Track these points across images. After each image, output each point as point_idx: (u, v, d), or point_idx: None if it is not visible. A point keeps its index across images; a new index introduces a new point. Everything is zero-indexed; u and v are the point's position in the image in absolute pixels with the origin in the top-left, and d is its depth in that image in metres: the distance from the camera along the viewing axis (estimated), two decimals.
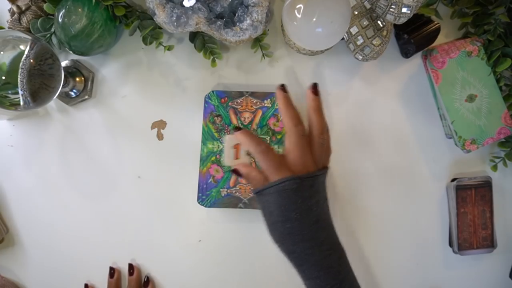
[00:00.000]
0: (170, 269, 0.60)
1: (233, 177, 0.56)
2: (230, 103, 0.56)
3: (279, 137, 0.56)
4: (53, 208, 0.61)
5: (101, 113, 0.61)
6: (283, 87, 0.46)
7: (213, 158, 0.56)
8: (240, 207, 0.55)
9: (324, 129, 0.45)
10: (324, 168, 0.44)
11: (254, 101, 0.56)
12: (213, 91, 0.57)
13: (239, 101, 0.57)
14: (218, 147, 0.56)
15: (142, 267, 0.61)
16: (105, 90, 0.60)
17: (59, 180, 0.61)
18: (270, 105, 0.56)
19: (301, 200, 0.41)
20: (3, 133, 0.61)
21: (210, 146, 0.56)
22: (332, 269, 0.42)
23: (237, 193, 0.56)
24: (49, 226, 0.61)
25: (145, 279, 0.59)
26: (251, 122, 0.56)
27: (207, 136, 0.56)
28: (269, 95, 0.56)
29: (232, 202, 0.56)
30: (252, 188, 0.45)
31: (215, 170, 0.56)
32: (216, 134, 0.56)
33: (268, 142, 0.56)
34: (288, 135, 0.44)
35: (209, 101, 0.57)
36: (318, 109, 0.46)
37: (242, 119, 0.56)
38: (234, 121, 0.56)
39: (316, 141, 0.44)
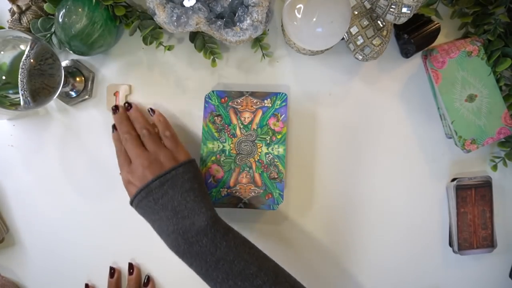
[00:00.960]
0: (170, 268, 0.60)
1: (233, 177, 0.56)
2: (230, 103, 0.56)
3: (279, 137, 0.56)
4: (53, 208, 0.61)
5: (101, 113, 0.61)
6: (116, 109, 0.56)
7: (213, 158, 0.56)
8: (240, 207, 0.55)
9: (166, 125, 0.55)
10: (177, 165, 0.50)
11: (254, 101, 0.56)
12: (213, 91, 0.56)
13: (239, 101, 0.56)
14: (219, 147, 0.56)
15: (142, 267, 0.61)
16: (105, 90, 0.60)
17: (59, 180, 0.61)
18: (270, 105, 0.56)
19: (154, 203, 0.48)
20: (3, 133, 0.61)
21: (210, 146, 0.56)
22: (204, 254, 0.46)
23: (237, 193, 0.56)
24: (49, 225, 0.61)
25: (146, 279, 0.59)
26: (251, 122, 0.56)
27: (207, 136, 0.56)
28: (269, 95, 0.56)
29: (232, 202, 0.56)
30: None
31: (215, 170, 0.56)
32: (216, 134, 0.56)
33: (268, 142, 0.56)
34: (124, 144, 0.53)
35: (209, 101, 0.57)
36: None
37: (242, 119, 0.56)
38: (234, 121, 0.56)
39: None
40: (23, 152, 0.61)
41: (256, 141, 0.56)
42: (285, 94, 0.56)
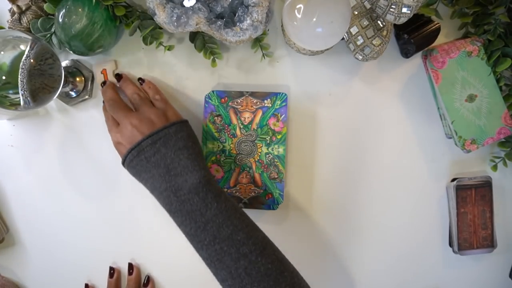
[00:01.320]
0: (170, 269, 0.60)
1: (233, 177, 0.56)
2: (230, 103, 0.56)
3: (279, 137, 0.56)
4: (53, 208, 0.61)
5: (101, 113, 0.60)
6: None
7: (213, 158, 0.56)
8: (240, 207, 0.55)
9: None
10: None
11: (254, 101, 0.56)
12: (213, 91, 0.56)
13: (239, 101, 0.56)
14: (219, 147, 0.56)
15: (142, 267, 0.61)
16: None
17: (59, 180, 0.61)
18: (270, 105, 0.56)
19: (146, 161, 0.48)
20: (3, 133, 0.61)
21: (210, 146, 0.56)
22: (194, 213, 0.45)
23: (237, 193, 0.56)
24: (49, 226, 0.61)
25: (145, 279, 0.59)
26: (251, 122, 0.56)
27: (207, 136, 0.56)
28: (269, 95, 0.56)
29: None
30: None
31: (215, 170, 0.56)
32: (216, 134, 0.56)
33: (268, 142, 0.56)
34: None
35: (209, 101, 0.56)
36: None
37: (242, 119, 0.56)
38: (234, 121, 0.56)
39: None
40: (23, 152, 0.61)
41: (256, 141, 0.56)
42: (285, 94, 0.56)
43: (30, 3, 0.55)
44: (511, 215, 0.62)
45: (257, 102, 0.56)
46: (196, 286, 0.60)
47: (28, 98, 0.47)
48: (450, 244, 0.61)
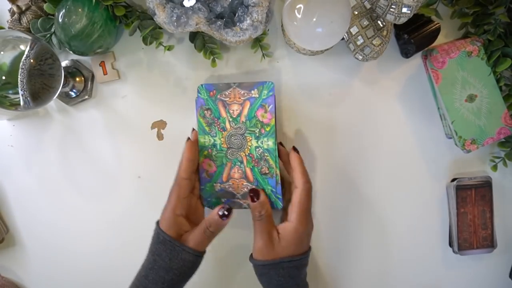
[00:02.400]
0: None
1: (226, 172, 0.55)
2: (218, 96, 0.54)
3: (267, 129, 0.53)
4: (53, 208, 0.61)
5: (101, 113, 0.61)
6: (296, 149, 0.53)
7: (205, 153, 0.55)
8: (245, 207, 0.55)
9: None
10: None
11: (242, 92, 0.54)
12: (202, 85, 0.55)
13: (227, 93, 0.54)
14: (210, 141, 0.55)
15: None
16: (105, 90, 0.60)
17: (59, 180, 0.61)
18: (257, 95, 0.53)
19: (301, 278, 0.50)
20: (3, 133, 0.61)
21: (202, 140, 0.55)
22: None
23: (230, 188, 0.55)
24: (49, 226, 0.61)
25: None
26: (239, 114, 0.54)
27: (198, 131, 0.55)
28: (255, 85, 0.54)
29: (226, 197, 0.55)
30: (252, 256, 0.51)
31: (207, 165, 0.56)
32: (207, 128, 0.55)
33: (257, 135, 0.54)
34: (301, 190, 0.50)
35: (199, 95, 0.55)
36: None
37: (231, 111, 0.54)
38: (224, 114, 0.54)
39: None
40: (23, 152, 0.61)
41: (245, 134, 0.54)
42: (272, 83, 0.53)
43: (30, 3, 0.55)
44: (511, 215, 0.62)
45: (244, 93, 0.54)
46: (196, 285, 0.60)
47: (28, 98, 0.47)
48: (450, 244, 0.61)
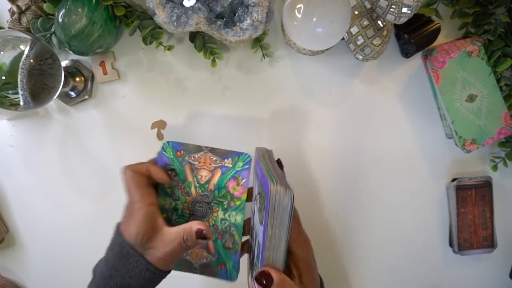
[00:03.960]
0: None
1: None
2: (186, 157, 0.49)
3: (237, 203, 0.49)
4: (53, 208, 0.61)
5: (101, 113, 0.61)
6: (281, 164, 0.49)
7: (164, 216, 0.48)
8: (196, 273, 0.50)
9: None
10: None
11: (214, 159, 0.49)
12: (168, 142, 0.49)
13: (196, 156, 0.49)
14: (171, 204, 0.49)
15: None
16: (105, 90, 0.60)
17: (59, 180, 0.61)
18: (231, 165, 0.48)
19: None
20: (3, 133, 0.61)
21: (162, 202, 0.49)
22: None
23: (188, 257, 0.49)
24: (49, 226, 0.61)
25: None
26: (208, 181, 0.49)
27: (159, 191, 0.49)
28: (230, 154, 0.49)
29: (182, 266, 0.50)
30: None
31: None
32: (169, 190, 0.49)
33: (225, 207, 0.49)
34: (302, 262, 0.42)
35: (164, 152, 0.49)
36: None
37: (199, 176, 0.49)
38: (190, 177, 0.49)
39: None
40: (23, 152, 0.61)
41: (212, 204, 0.49)
42: (249, 156, 0.49)
43: (30, 3, 0.55)
44: (511, 215, 0.62)
45: (216, 160, 0.49)
46: (197, 284, 0.60)
47: (28, 98, 0.47)
48: (450, 244, 0.61)
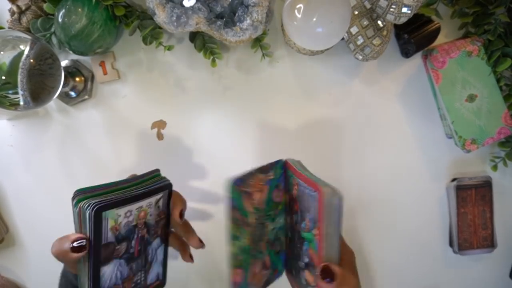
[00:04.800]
0: (171, 269, 0.60)
1: (251, 272, 0.45)
2: (242, 188, 0.44)
3: (280, 208, 0.47)
4: (53, 208, 0.61)
5: (101, 113, 0.61)
6: None
7: (235, 263, 0.44)
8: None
9: None
10: None
11: (261, 177, 0.45)
12: (233, 182, 0.42)
13: (249, 182, 0.44)
14: (240, 247, 0.44)
15: None
16: (105, 90, 0.60)
17: (59, 180, 0.61)
18: (273, 177, 0.46)
19: None
20: (3, 133, 0.61)
21: (232, 250, 0.43)
22: None
23: (252, 286, 0.45)
24: (49, 226, 0.61)
25: None
26: (260, 202, 0.45)
27: (228, 239, 0.43)
28: (272, 167, 0.46)
29: None
30: None
31: (237, 275, 0.44)
32: (237, 233, 0.44)
33: (272, 217, 0.46)
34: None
35: (231, 196, 0.42)
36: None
37: (254, 201, 0.44)
38: (249, 208, 0.44)
39: None
40: (23, 152, 0.61)
41: (263, 220, 0.46)
42: (283, 160, 0.47)
43: (30, 3, 0.55)
44: (511, 215, 0.62)
45: (263, 178, 0.45)
46: (197, 286, 0.61)
47: (28, 98, 0.47)
48: (450, 244, 0.61)
